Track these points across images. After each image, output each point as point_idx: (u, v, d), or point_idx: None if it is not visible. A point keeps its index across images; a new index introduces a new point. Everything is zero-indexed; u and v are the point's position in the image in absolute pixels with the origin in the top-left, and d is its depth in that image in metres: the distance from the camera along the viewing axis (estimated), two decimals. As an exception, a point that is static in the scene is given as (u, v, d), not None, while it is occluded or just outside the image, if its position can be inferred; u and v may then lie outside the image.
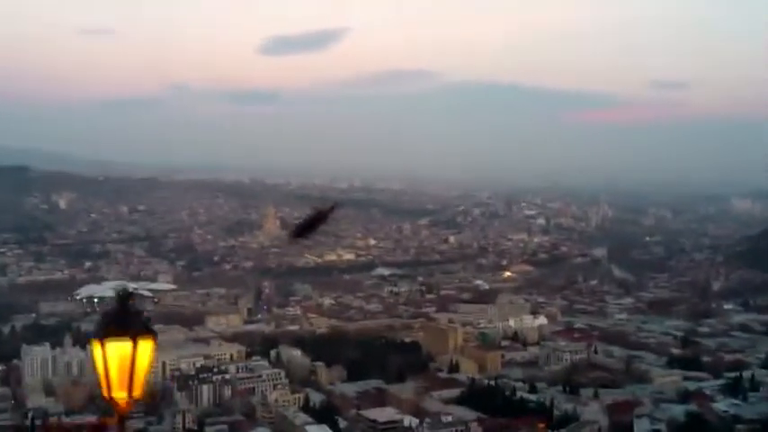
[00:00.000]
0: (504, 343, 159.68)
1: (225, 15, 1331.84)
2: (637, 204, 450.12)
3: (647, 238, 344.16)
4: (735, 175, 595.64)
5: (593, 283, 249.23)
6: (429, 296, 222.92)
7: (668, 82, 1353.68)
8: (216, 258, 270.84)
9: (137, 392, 8.96)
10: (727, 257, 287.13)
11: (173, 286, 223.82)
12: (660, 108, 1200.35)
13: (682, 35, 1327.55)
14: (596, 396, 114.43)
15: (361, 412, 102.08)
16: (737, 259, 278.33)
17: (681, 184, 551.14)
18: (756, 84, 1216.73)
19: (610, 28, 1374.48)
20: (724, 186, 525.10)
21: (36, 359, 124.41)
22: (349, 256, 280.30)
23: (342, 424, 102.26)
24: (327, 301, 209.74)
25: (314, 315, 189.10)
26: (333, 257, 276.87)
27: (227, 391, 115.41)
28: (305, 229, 13.38)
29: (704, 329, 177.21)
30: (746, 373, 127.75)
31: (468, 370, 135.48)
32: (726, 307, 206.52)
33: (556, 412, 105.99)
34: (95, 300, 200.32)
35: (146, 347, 8.83)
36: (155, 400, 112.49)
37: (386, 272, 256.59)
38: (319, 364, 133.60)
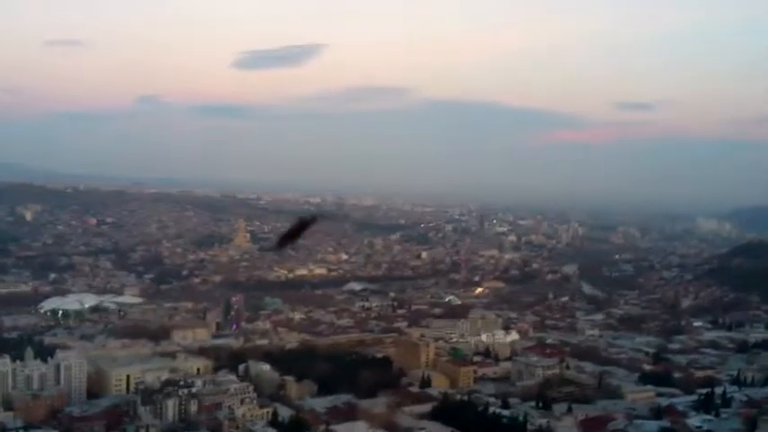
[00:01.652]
0: (476, 358, 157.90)
1: (199, 29, 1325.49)
2: (606, 223, 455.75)
3: (617, 256, 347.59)
4: (699, 195, 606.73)
5: (564, 299, 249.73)
6: (400, 311, 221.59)
7: (634, 103, 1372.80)
8: (184, 272, 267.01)
9: None
10: (696, 276, 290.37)
11: (139, 299, 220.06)
12: (626, 129, 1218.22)
13: (647, 58, 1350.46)
14: (570, 411, 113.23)
15: (330, 427, 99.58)
16: (706, 277, 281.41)
17: (647, 204, 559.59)
18: (719, 105, 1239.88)
19: (578, 51, 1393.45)
20: (689, 206, 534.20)
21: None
22: (320, 271, 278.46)
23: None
24: (298, 316, 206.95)
25: (284, 329, 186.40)
26: (304, 272, 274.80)
27: (194, 406, 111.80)
28: (289, 238, 14.84)
29: (675, 346, 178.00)
30: (718, 390, 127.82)
31: (439, 385, 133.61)
32: (695, 324, 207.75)
33: (530, 427, 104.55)
34: (59, 312, 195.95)
35: None
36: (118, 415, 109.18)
37: (357, 287, 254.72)
38: (289, 378, 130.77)
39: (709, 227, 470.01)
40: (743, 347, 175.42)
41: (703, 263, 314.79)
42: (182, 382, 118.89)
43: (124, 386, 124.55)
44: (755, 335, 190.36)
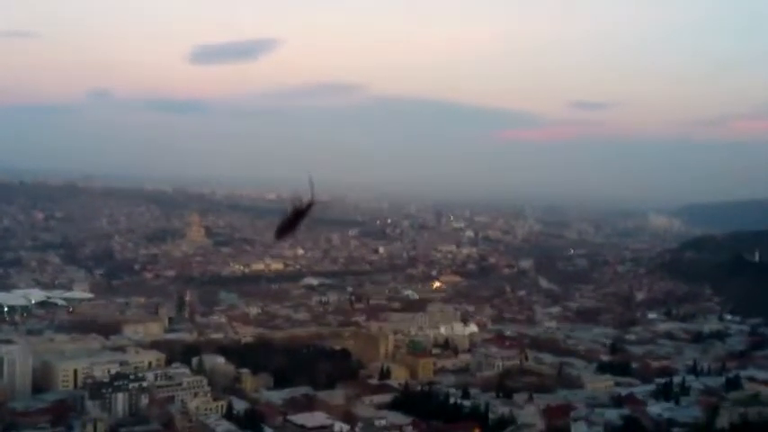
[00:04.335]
0: (435, 351, 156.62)
1: (152, 22, 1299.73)
2: (560, 219, 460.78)
3: (572, 251, 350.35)
4: (650, 193, 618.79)
5: (521, 293, 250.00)
6: (358, 305, 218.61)
7: (588, 102, 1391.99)
8: (136, 267, 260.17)
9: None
10: (648, 269, 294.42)
11: (89, 295, 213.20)
12: (580, 128, 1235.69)
13: (600, 56, 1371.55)
14: (531, 400, 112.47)
15: (289, 418, 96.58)
16: (659, 271, 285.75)
17: (600, 200, 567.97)
18: (669, 106, 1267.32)
19: (533, 49, 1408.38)
20: (640, 203, 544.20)
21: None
22: (277, 266, 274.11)
23: (268, 431, 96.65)
24: (254, 310, 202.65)
25: (239, 323, 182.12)
26: (260, 267, 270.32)
27: (144, 400, 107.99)
28: (287, 228, 13.75)
29: (631, 337, 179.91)
30: (676, 379, 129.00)
31: (399, 377, 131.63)
32: (650, 316, 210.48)
33: (491, 416, 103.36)
34: (4, 308, 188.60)
35: None
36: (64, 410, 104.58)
37: (314, 281, 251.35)
38: (244, 371, 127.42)
39: (659, 223, 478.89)
40: (697, 338, 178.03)
41: (656, 257, 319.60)
42: (132, 376, 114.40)
43: (71, 380, 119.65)
44: (709, 326, 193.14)
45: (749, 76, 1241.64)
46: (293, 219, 13.53)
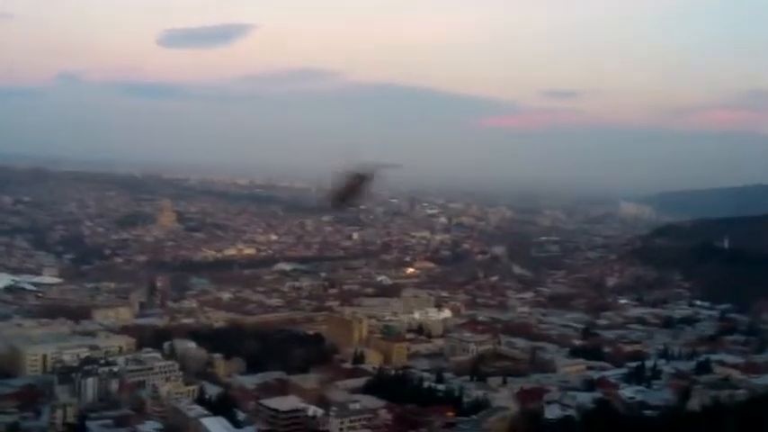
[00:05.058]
0: (409, 336, 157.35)
1: (123, 5, 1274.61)
2: (533, 206, 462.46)
3: (544, 238, 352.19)
4: (621, 180, 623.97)
5: (494, 279, 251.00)
6: (332, 291, 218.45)
7: (561, 91, 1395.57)
8: (106, 252, 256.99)
9: None
10: (619, 256, 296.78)
11: (58, 279, 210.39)
12: (553, 116, 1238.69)
13: (574, 45, 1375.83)
14: (505, 384, 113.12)
15: (261, 401, 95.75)
16: (630, 257, 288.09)
17: (572, 188, 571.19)
18: (641, 95, 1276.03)
19: (507, 38, 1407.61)
20: (612, 191, 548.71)
21: None
22: (249, 251, 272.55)
23: (241, 416, 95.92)
24: (226, 296, 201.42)
25: (211, 309, 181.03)
26: (232, 252, 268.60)
27: (115, 384, 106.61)
28: (345, 196, 12.12)
29: (602, 322, 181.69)
30: (647, 363, 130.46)
31: (373, 361, 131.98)
32: (621, 301, 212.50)
33: (465, 399, 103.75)
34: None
35: None
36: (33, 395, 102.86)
37: (287, 267, 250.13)
38: (216, 356, 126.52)
39: (630, 210, 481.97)
40: (667, 323, 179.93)
41: (626, 244, 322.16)
42: (102, 361, 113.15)
43: (40, 365, 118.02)
44: (679, 311, 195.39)
45: (721, 66, 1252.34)
46: (353, 184, 11.67)
